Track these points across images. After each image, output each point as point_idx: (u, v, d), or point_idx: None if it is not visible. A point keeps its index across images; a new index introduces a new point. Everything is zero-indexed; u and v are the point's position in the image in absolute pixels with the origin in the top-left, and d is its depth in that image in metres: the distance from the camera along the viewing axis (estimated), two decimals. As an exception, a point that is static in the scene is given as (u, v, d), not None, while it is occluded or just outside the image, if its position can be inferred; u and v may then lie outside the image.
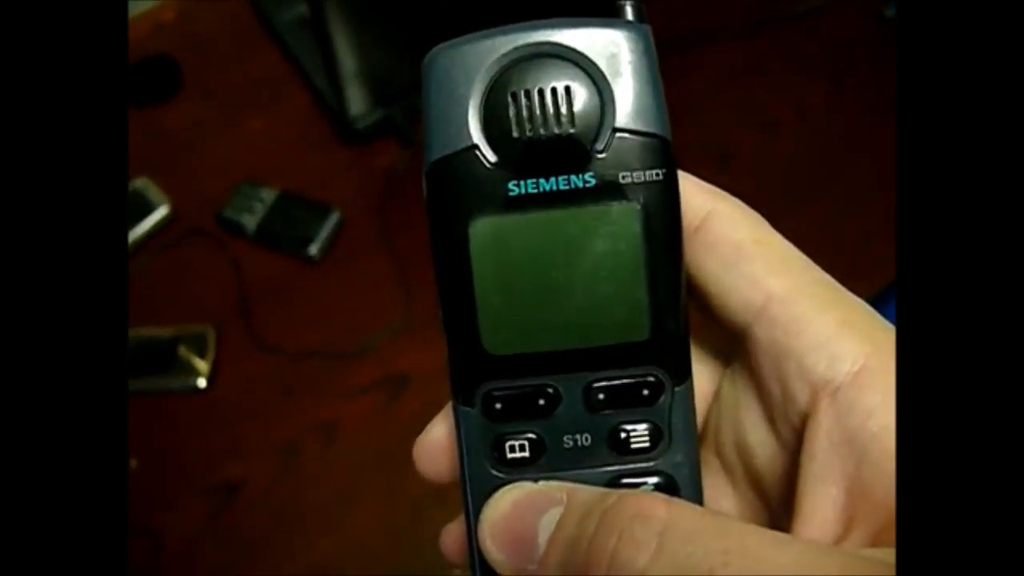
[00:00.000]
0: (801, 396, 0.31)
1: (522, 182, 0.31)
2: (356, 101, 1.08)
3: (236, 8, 1.22)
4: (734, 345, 0.34)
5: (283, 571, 0.87)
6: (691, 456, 0.33)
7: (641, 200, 0.31)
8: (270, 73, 1.17)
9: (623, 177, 0.31)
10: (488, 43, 0.31)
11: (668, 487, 0.32)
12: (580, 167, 0.31)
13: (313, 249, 1.03)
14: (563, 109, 0.30)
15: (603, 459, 0.32)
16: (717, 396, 0.36)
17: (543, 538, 0.29)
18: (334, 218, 1.04)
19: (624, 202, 0.31)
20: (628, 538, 0.27)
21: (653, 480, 0.32)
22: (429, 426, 0.35)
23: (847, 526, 0.30)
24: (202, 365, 0.97)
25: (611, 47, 0.31)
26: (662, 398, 0.32)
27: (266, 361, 0.98)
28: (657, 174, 0.31)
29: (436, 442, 0.35)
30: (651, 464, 0.32)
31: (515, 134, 0.31)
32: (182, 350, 0.98)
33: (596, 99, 0.31)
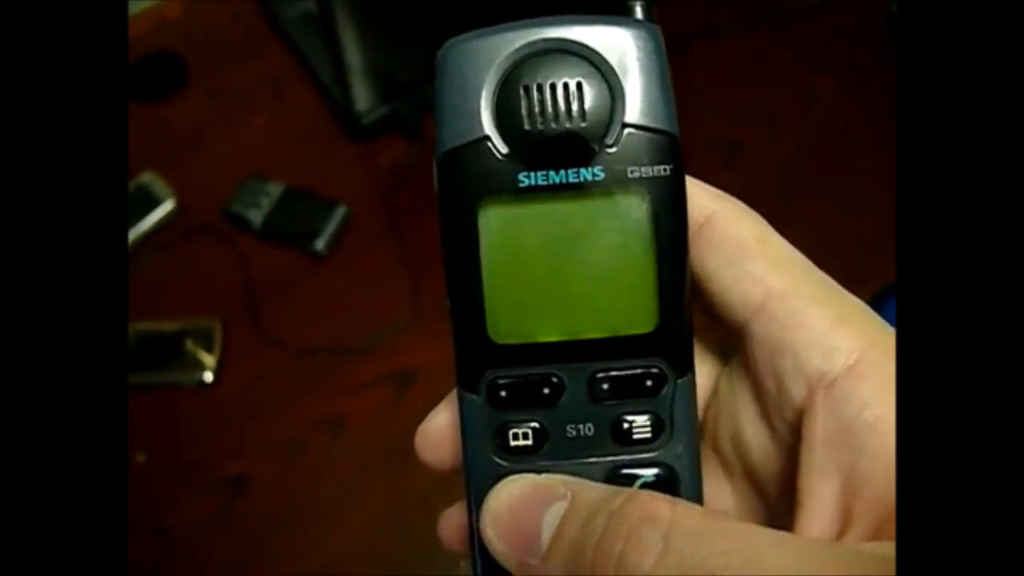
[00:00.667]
0: (797, 391, 0.32)
1: (532, 174, 0.31)
2: (362, 96, 1.08)
3: (241, 4, 1.22)
4: (732, 342, 0.35)
5: (289, 567, 0.87)
6: (692, 448, 0.33)
7: (648, 194, 0.31)
8: (276, 69, 1.17)
9: (631, 172, 0.31)
10: (502, 38, 0.31)
11: (669, 478, 0.33)
12: (589, 161, 0.31)
13: (319, 244, 1.03)
14: (574, 104, 0.31)
15: (605, 449, 0.33)
16: (715, 392, 0.36)
17: (546, 534, 0.29)
18: (340, 213, 1.04)
19: (632, 196, 0.31)
20: (635, 541, 0.27)
21: (654, 471, 0.33)
22: (432, 413, 0.35)
23: (848, 519, 0.30)
24: (208, 360, 0.97)
25: (622, 44, 0.31)
26: (665, 390, 0.32)
27: (272, 356, 0.98)
28: (664, 169, 0.31)
29: (438, 430, 0.35)
30: (652, 455, 0.33)
31: (526, 127, 0.31)
32: (188, 344, 0.98)
33: (607, 95, 0.31)
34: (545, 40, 0.31)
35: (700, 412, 0.35)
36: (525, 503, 0.31)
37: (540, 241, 0.32)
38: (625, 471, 0.33)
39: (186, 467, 0.94)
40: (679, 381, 0.32)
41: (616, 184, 0.31)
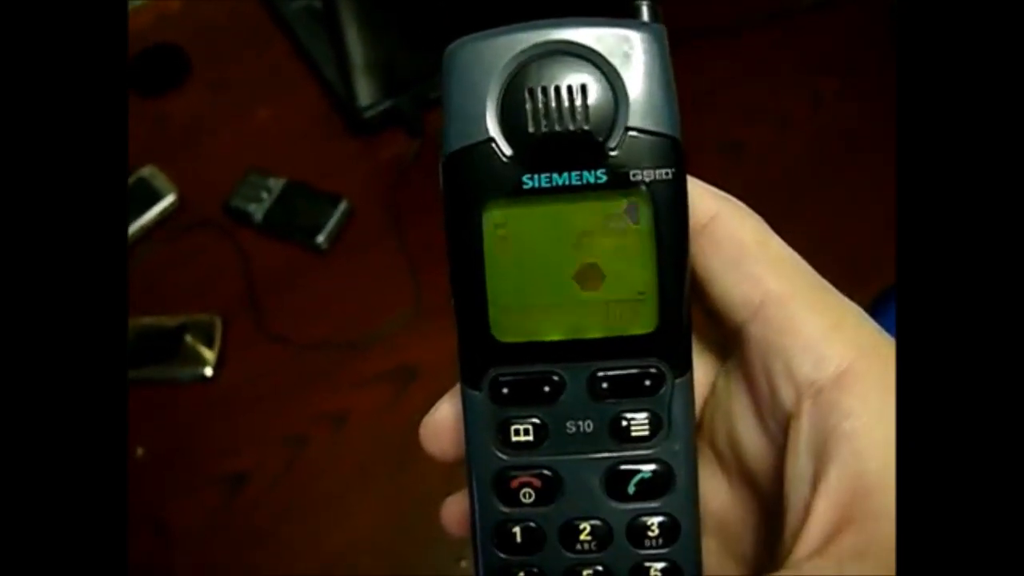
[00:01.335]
0: (787, 396, 0.32)
1: (536, 175, 0.32)
2: (364, 91, 1.08)
3: (243, -3, 1.22)
4: (730, 341, 0.35)
5: (290, 562, 0.87)
6: (688, 446, 0.34)
7: (651, 197, 0.32)
8: (278, 63, 1.17)
9: (634, 175, 0.32)
10: (507, 39, 0.32)
11: (665, 475, 0.34)
12: (593, 163, 0.32)
13: (321, 239, 1.02)
14: (578, 106, 0.31)
15: (604, 445, 0.34)
16: (712, 390, 0.37)
17: None
18: (342, 208, 1.04)
19: (634, 198, 0.32)
20: None
21: (651, 467, 0.33)
22: (436, 406, 0.36)
23: (835, 527, 0.30)
24: (209, 354, 0.97)
25: (626, 47, 0.31)
26: (663, 389, 0.33)
27: (273, 351, 0.98)
28: (667, 173, 0.32)
29: (442, 422, 0.36)
30: (650, 452, 0.34)
31: (531, 129, 0.31)
32: (189, 339, 0.98)
33: (610, 98, 0.31)
34: (550, 42, 0.31)
35: (698, 409, 0.36)
36: None
37: (543, 242, 0.32)
38: (623, 467, 0.34)
39: (186, 462, 0.93)
40: (677, 381, 0.33)
41: (619, 186, 0.32)
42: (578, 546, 0.34)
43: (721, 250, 0.33)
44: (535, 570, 0.34)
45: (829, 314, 0.32)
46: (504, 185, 0.32)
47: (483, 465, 0.34)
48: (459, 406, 0.34)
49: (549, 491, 0.34)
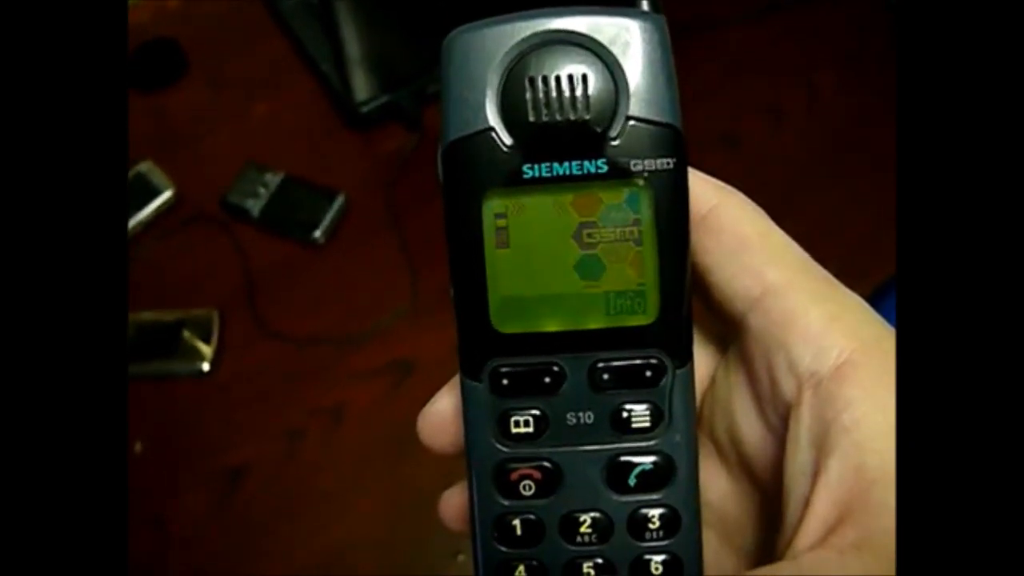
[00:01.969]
0: (787, 387, 0.32)
1: (536, 165, 0.32)
2: (361, 86, 1.08)
3: (241, -7, 1.22)
4: (730, 333, 0.35)
5: (288, 556, 0.87)
6: (689, 437, 0.34)
7: (651, 187, 0.32)
8: (275, 58, 1.17)
9: (635, 164, 0.32)
10: (507, 28, 0.31)
11: (666, 466, 0.33)
12: (593, 153, 0.31)
13: (318, 234, 1.02)
14: (579, 96, 0.31)
15: (604, 437, 0.33)
16: (712, 381, 0.37)
17: None
18: (339, 203, 1.04)
19: (634, 188, 0.32)
20: None
21: (651, 459, 0.33)
22: (435, 398, 0.36)
23: (835, 519, 0.30)
24: (206, 349, 0.97)
25: (627, 36, 0.31)
26: (664, 380, 0.33)
27: (271, 346, 0.98)
28: (668, 162, 0.32)
29: (441, 414, 0.36)
30: (651, 443, 0.33)
31: (531, 118, 0.31)
32: (186, 334, 0.97)
33: (611, 87, 0.31)
34: (550, 31, 0.31)
35: (698, 400, 0.36)
36: None
37: (543, 232, 0.32)
38: (623, 459, 0.33)
39: (184, 457, 0.93)
40: (678, 372, 0.33)
41: (619, 176, 0.32)
42: (578, 538, 0.34)
43: (721, 241, 0.33)
44: (535, 563, 0.34)
45: (829, 305, 0.32)
46: (504, 175, 0.32)
47: (483, 457, 0.34)
48: (458, 398, 0.34)
49: (549, 483, 0.34)
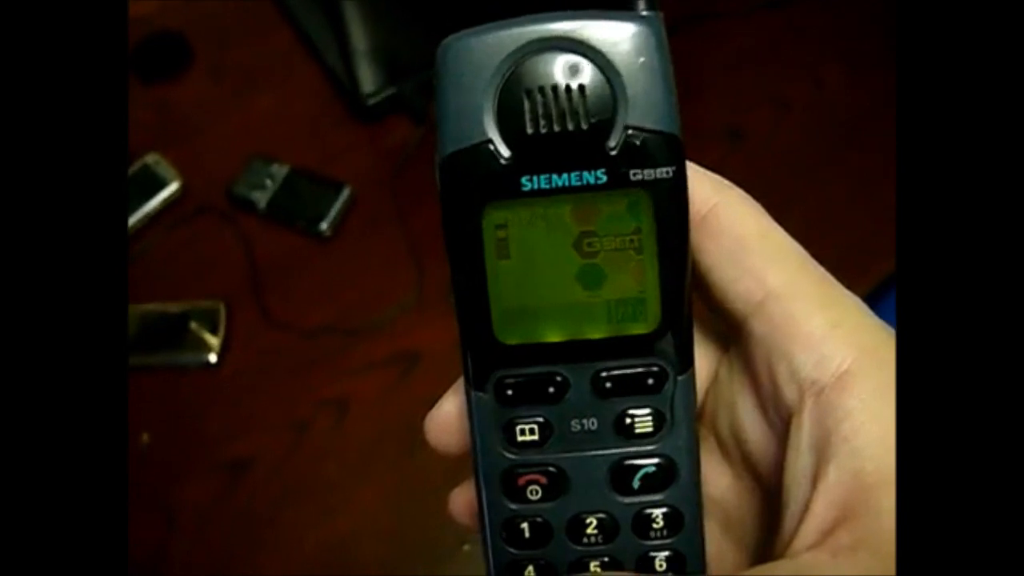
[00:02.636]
0: (789, 394, 0.32)
1: (535, 177, 0.31)
2: (368, 78, 1.08)
3: (246, -16, 1.22)
4: (732, 333, 0.35)
5: (293, 546, 0.88)
6: (691, 440, 0.34)
7: (651, 197, 0.32)
8: (281, 49, 1.17)
9: (634, 174, 0.31)
10: (502, 35, 0.31)
11: (668, 468, 0.34)
12: (592, 164, 0.31)
13: (324, 226, 1.03)
14: (576, 106, 0.31)
15: (608, 442, 0.34)
16: (715, 378, 0.37)
17: None
18: (345, 195, 1.04)
19: (635, 199, 0.32)
20: None
21: (654, 461, 0.34)
22: (440, 401, 0.37)
23: (832, 523, 0.30)
24: (213, 341, 0.97)
25: (624, 42, 0.31)
26: (666, 386, 0.34)
27: (277, 337, 0.98)
28: (667, 171, 0.31)
29: (446, 416, 0.36)
30: (653, 447, 0.34)
31: (529, 130, 0.31)
32: (193, 326, 0.98)
33: (609, 97, 0.31)
34: (545, 39, 0.31)
35: (700, 396, 0.37)
36: None
37: (544, 243, 0.32)
38: (627, 463, 0.34)
39: (191, 448, 0.94)
40: (679, 378, 0.34)
41: (619, 186, 0.32)
42: (585, 539, 0.34)
43: (721, 243, 0.33)
44: (543, 563, 0.35)
45: (830, 311, 0.32)
46: (503, 187, 0.31)
47: (490, 464, 0.34)
48: (462, 401, 0.35)
49: (555, 487, 0.34)
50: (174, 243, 1.05)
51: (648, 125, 0.31)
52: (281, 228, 1.04)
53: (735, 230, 0.33)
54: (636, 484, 0.34)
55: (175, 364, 0.97)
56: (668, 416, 0.34)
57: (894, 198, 0.31)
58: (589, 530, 0.34)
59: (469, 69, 0.31)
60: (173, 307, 0.99)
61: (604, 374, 0.33)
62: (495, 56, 0.31)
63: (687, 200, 0.32)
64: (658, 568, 0.34)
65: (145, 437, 0.93)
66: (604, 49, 0.31)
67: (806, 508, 0.31)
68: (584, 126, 0.31)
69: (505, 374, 0.33)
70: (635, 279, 0.32)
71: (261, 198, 1.05)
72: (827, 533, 0.30)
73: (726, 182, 0.34)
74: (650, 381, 0.33)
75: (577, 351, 0.33)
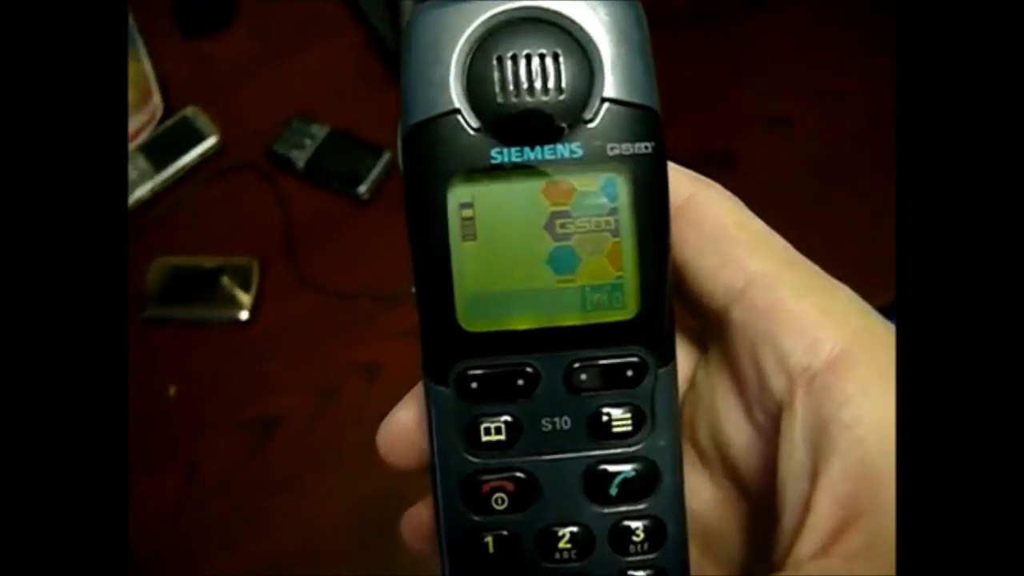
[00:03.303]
0: (777, 384, 0.30)
1: (505, 150, 0.30)
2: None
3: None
4: (710, 330, 0.33)
5: (318, 508, 0.88)
6: (674, 442, 0.32)
7: (629, 173, 0.30)
8: (325, 8, 1.15)
9: (611, 149, 0.30)
10: (474, 5, 0.30)
11: (649, 473, 0.31)
12: (566, 136, 0.30)
13: (362, 189, 1.02)
14: (550, 76, 0.29)
15: (583, 443, 0.31)
16: (692, 382, 0.35)
17: None
18: (385, 159, 1.03)
19: (611, 174, 0.30)
20: None
21: (633, 466, 0.31)
22: (395, 408, 0.34)
23: (840, 523, 0.28)
24: (245, 298, 0.97)
25: (602, 14, 0.30)
26: (645, 380, 0.31)
27: (309, 298, 0.98)
28: (646, 147, 0.30)
29: (403, 424, 0.33)
30: (632, 449, 0.31)
31: (499, 100, 0.30)
32: (225, 281, 0.98)
33: (585, 67, 0.30)
34: (520, 8, 0.29)
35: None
36: None
37: (513, 222, 0.30)
38: (603, 467, 0.31)
39: (217, 404, 0.94)
40: (661, 371, 0.31)
41: (594, 161, 0.30)
42: (557, 555, 0.32)
43: (698, 232, 0.31)
44: None
45: (818, 295, 0.30)
46: (470, 160, 0.30)
47: (450, 469, 0.31)
48: (422, 410, 0.32)
49: (524, 495, 0.31)
50: (210, 197, 1.04)
51: (626, 98, 0.30)
52: (318, 189, 1.04)
53: (713, 220, 0.31)
54: (614, 491, 0.31)
55: (205, 319, 0.97)
56: (648, 414, 0.31)
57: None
58: (561, 544, 0.32)
59: (438, 37, 0.29)
60: (206, 261, 0.99)
61: (578, 365, 0.31)
62: (466, 24, 0.29)
63: (666, 178, 0.30)
64: None
65: (172, 390, 0.93)
66: (580, 19, 0.29)
67: (806, 507, 0.28)
68: (559, 97, 0.29)
69: (468, 365, 0.31)
70: (611, 262, 0.30)
71: (300, 157, 1.04)
72: (835, 534, 0.28)
73: (701, 176, 0.32)
74: (628, 373, 0.31)
75: (548, 340, 0.31)
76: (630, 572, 0.32)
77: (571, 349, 0.31)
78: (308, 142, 1.04)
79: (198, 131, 1.06)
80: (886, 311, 0.31)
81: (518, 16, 0.29)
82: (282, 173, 1.04)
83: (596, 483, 0.31)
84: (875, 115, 1.00)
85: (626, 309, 0.31)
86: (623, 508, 0.32)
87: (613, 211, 0.30)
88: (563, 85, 0.29)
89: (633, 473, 0.31)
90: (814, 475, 0.28)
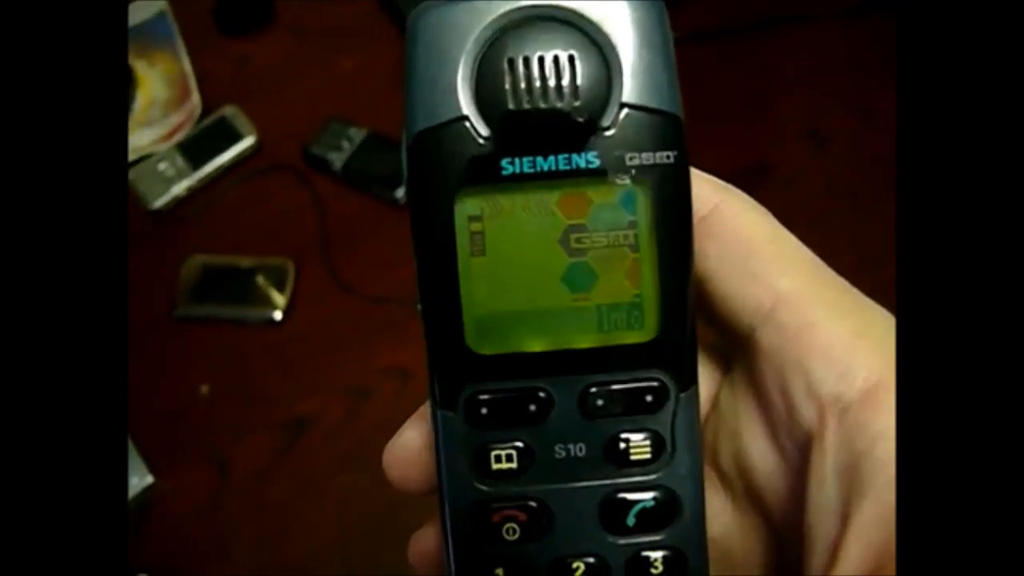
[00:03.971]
0: (807, 413, 0.28)
1: (517, 160, 0.28)
2: (451, 46, 1.07)
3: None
4: (736, 350, 0.31)
5: (348, 510, 0.88)
6: (695, 470, 0.30)
7: (649, 184, 0.28)
8: (364, 11, 1.16)
9: (630, 158, 0.28)
10: (482, 4, 0.28)
11: (669, 503, 0.30)
12: (582, 145, 0.28)
13: (399, 192, 1.02)
14: (565, 80, 0.28)
15: (599, 471, 0.30)
16: (715, 404, 0.33)
17: None
18: (422, 163, 1.03)
19: (630, 185, 0.28)
20: None
21: (652, 495, 0.30)
22: (402, 429, 0.32)
23: (873, 569, 0.26)
24: (279, 298, 0.97)
25: (621, 14, 0.28)
26: (666, 406, 0.29)
27: (344, 300, 0.98)
28: (668, 156, 0.28)
29: (409, 448, 0.32)
30: (652, 478, 0.30)
31: (511, 106, 0.28)
32: (260, 281, 0.98)
33: (603, 70, 0.28)
34: (532, 7, 0.28)
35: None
36: None
37: (525, 237, 0.28)
38: (621, 496, 0.30)
39: (249, 404, 0.94)
40: (682, 395, 0.29)
41: (613, 172, 0.28)
42: None
43: (724, 246, 0.29)
44: None
45: (852, 319, 0.28)
46: (480, 171, 0.28)
47: (459, 498, 0.30)
48: (429, 430, 0.30)
49: (536, 525, 0.30)
50: (246, 197, 1.05)
51: (646, 104, 0.28)
52: (355, 191, 1.04)
53: (741, 232, 0.29)
54: (631, 522, 0.30)
55: (239, 318, 0.98)
56: (669, 440, 0.30)
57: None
58: None
59: (445, 38, 0.28)
60: (241, 261, 0.99)
61: (594, 390, 0.29)
62: (474, 24, 0.28)
63: (689, 189, 0.28)
64: None
65: (204, 388, 0.93)
66: (598, 19, 0.28)
67: (836, 552, 0.27)
68: (574, 102, 0.27)
69: (478, 389, 0.29)
70: (630, 280, 0.29)
71: (337, 159, 1.04)
72: None
73: (728, 185, 0.30)
74: (648, 399, 0.29)
75: (562, 363, 0.29)
76: None
77: (587, 373, 0.29)
78: (346, 144, 1.05)
79: (236, 130, 1.07)
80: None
81: (530, 15, 0.28)
82: (319, 175, 1.05)
83: (613, 513, 0.30)
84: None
85: (645, 330, 0.29)
86: (641, 539, 0.30)
87: (632, 225, 0.28)
88: (579, 90, 0.28)
89: (652, 502, 0.30)
90: (845, 515, 0.27)
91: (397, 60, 1.00)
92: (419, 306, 0.29)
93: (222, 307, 0.97)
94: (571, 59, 0.28)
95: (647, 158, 0.28)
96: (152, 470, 0.87)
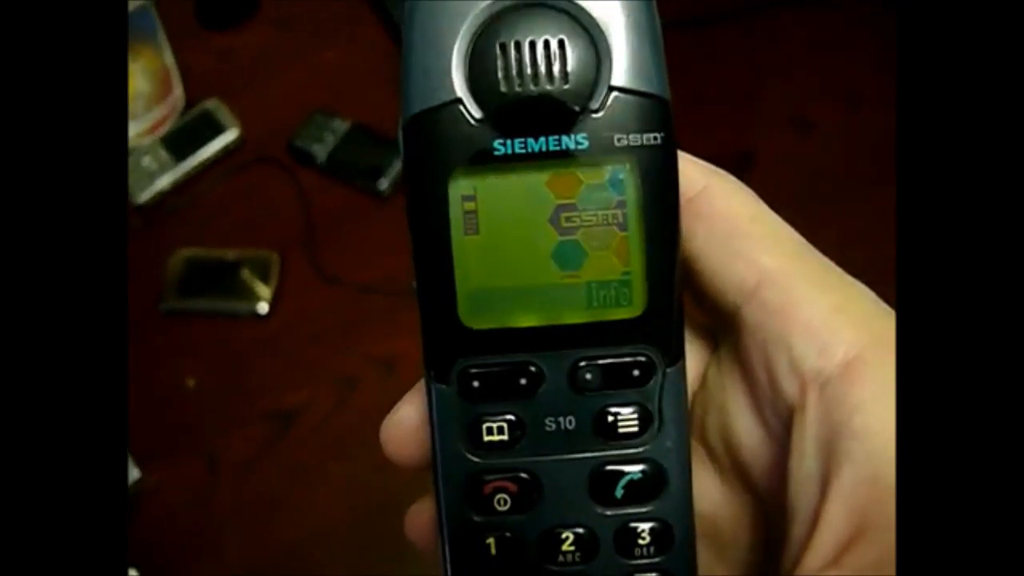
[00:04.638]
0: (789, 387, 0.29)
1: (508, 141, 0.29)
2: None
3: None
4: (723, 327, 0.32)
5: (337, 501, 0.88)
6: (682, 443, 0.31)
7: (637, 164, 0.29)
8: (347, 4, 1.16)
9: (618, 139, 0.29)
10: None
11: (656, 475, 0.31)
12: (572, 127, 0.29)
13: (383, 184, 1.02)
14: (555, 63, 0.28)
15: (588, 444, 0.30)
16: (703, 381, 0.34)
17: None
18: (405, 155, 1.03)
19: (619, 166, 0.29)
20: None
21: (640, 467, 0.31)
22: (398, 405, 0.33)
23: (850, 536, 0.27)
24: (264, 291, 0.97)
25: (610, 1, 0.29)
26: (653, 380, 0.30)
27: (328, 292, 0.98)
28: (655, 137, 0.29)
29: (405, 423, 0.32)
30: (639, 451, 0.30)
31: (503, 89, 0.28)
32: (245, 274, 0.98)
33: (592, 54, 0.28)
34: None
35: (688, 401, 0.33)
36: None
37: (516, 216, 0.29)
38: (609, 468, 0.31)
39: (236, 396, 0.94)
40: (668, 370, 0.30)
41: (601, 153, 0.29)
42: (560, 557, 0.31)
43: (710, 226, 0.30)
44: None
45: (834, 294, 0.29)
46: (472, 151, 0.29)
47: (452, 469, 0.31)
48: (424, 404, 0.31)
49: (527, 496, 0.30)
50: (230, 190, 1.05)
51: (635, 87, 0.28)
52: (339, 183, 1.04)
53: (725, 213, 0.30)
54: (619, 493, 0.30)
55: (225, 311, 0.98)
56: (656, 414, 0.30)
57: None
58: (565, 547, 0.31)
59: (438, 24, 0.28)
60: (226, 254, 1.00)
61: (583, 364, 0.30)
62: (468, 10, 0.28)
63: (676, 170, 0.29)
64: None
65: (191, 381, 0.94)
66: (587, 4, 0.28)
67: (816, 518, 0.27)
68: (564, 85, 0.28)
69: (471, 363, 0.30)
70: (619, 257, 0.29)
71: (321, 151, 1.04)
72: (845, 547, 0.27)
73: (715, 167, 0.31)
74: (635, 373, 0.30)
75: (552, 338, 0.30)
76: (636, 575, 0.31)
77: (576, 347, 0.30)
78: (329, 136, 1.05)
79: (219, 124, 1.07)
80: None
81: (522, 1, 0.28)
82: (303, 167, 1.05)
83: (601, 484, 0.31)
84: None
85: (633, 306, 0.30)
86: (629, 510, 0.31)
87: (621, 204, 0.29)
88: (569, 73, 0.28)
89: (640, 475, 0.31)
90: (825, 484, 0.28)
91: (380, 53, 1.01)
92: (414, 283, 0.30)
93: (208, 300, 0.98)
94: (561, 44, 0.28)
95: (635, 139, 0.29)
96: (140, 464, 0.87)
